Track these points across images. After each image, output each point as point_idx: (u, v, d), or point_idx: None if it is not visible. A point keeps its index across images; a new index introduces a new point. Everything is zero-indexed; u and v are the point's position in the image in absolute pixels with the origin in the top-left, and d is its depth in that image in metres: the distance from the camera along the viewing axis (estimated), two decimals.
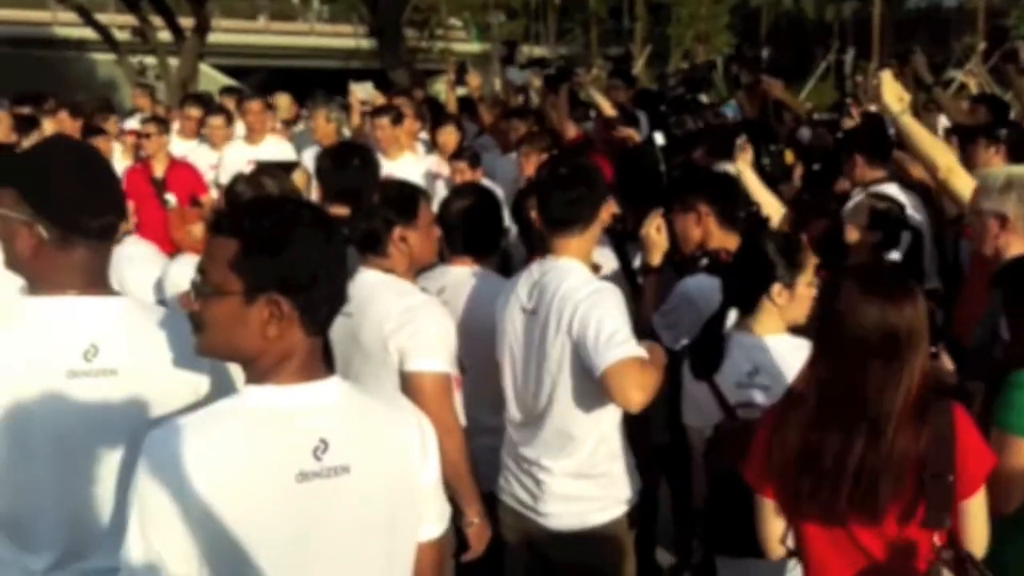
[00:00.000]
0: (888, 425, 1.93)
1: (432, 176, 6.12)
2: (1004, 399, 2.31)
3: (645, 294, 3.25)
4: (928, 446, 1.94)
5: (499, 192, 5.91)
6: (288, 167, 3.31)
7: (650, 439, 3.26)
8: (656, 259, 3.21)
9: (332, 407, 1.60)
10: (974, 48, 22.39)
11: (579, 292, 2.58)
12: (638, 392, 2.47)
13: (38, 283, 1.81)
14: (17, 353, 1.75)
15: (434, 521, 1.78)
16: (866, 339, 1.94)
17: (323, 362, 1.64)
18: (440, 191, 5.94)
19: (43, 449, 1.76)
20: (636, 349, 2.52)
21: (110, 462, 1.80)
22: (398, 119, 6.14)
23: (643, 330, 3.01)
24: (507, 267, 3.94)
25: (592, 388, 2.58)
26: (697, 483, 2.91)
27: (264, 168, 3.58)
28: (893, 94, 3.67)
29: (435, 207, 5.76)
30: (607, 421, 2.70)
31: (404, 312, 2.58)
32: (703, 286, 3.09)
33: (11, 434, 1.74)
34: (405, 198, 2.78)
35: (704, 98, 7.18)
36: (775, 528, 2.16)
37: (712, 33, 32.02)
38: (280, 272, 1.53)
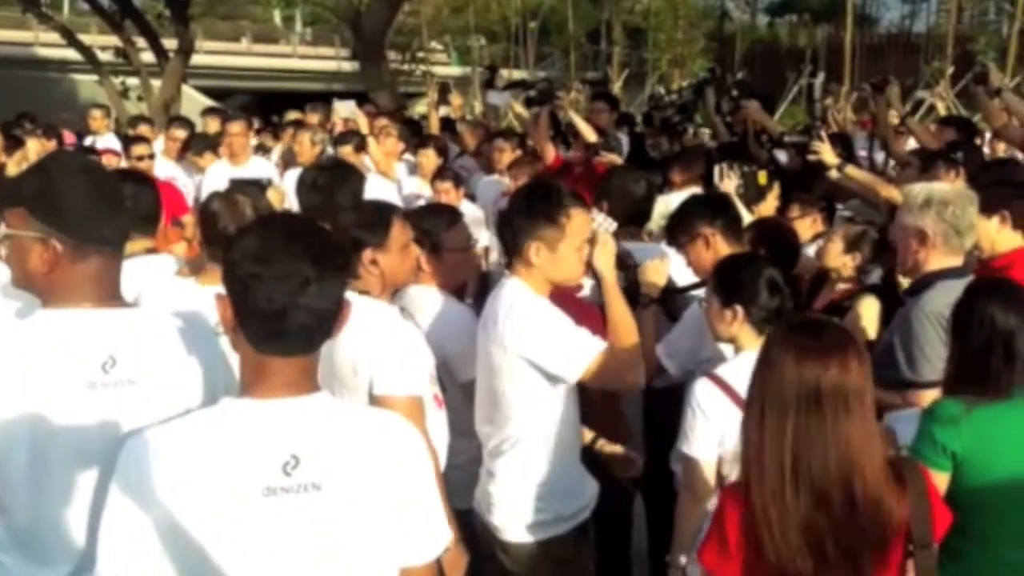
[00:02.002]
0: (856, 491, 1.84)
1: (413, 197, 6.18)
2: (921, 428, 2.36)
3: (646, 326, 3.16)
4: (911, 513, 1.89)
5: (480, 213, 6.05)
6: (262, 185, 3.30)
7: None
8: (655, 290, 3.22)
9: (309, 422, 1.58)
10: (943, 72, 22.90)
11: (511, 316, 2.56)
12: (629, 372, 2.60)
13: (54, 296, 1.81)
14: (35, 366, 1.76)
15: (425, 544, 1.70)
16: (794, 397, 1.86)
17: (311, 380, 1.63)
18: None
19: (61, 462, 1.77)
20: (597, 343, 2.57)
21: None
22: (360, 146, 6.18)
23: (648, 364, 3.00)
24: (486, 288, 4.02)
25: (539, 401, 2.61)
26: (690, 515, 2.77)
27: (237, 186, 3.55)
28: (829, 154, 4.26)
29: None
30: (553, 436, 2.67)
31: (372, 334, 2.48)
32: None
33: (30, 447, 1.76)
34: (376, 219, 2.74)
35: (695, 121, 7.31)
36: None
37: (688, 58, 32.46)
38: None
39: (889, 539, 1.88)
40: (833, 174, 4.53)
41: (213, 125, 7.50)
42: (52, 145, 7.06)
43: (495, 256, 5.67)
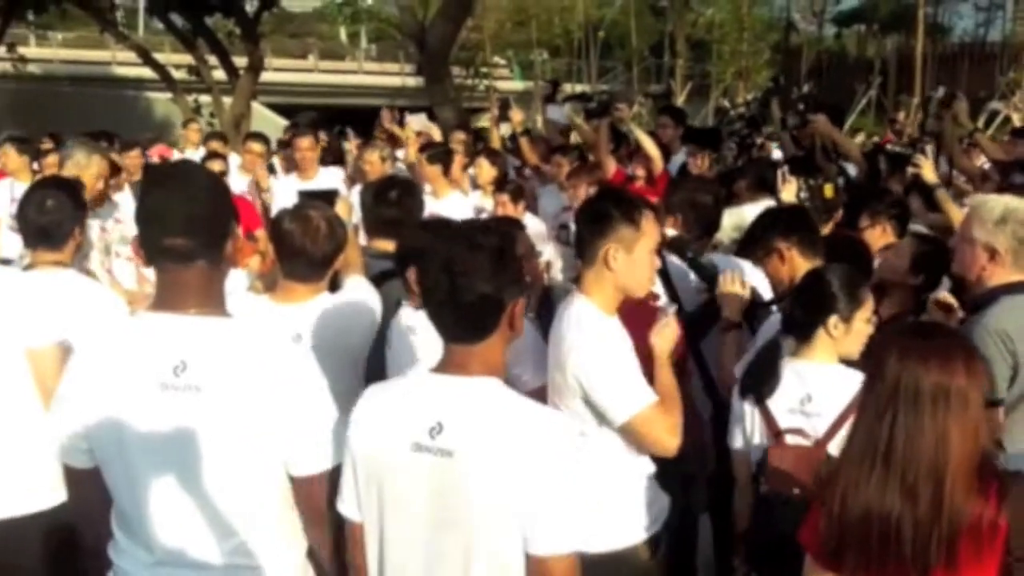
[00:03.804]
0: (945, 489, 1.86)
1: (476, 210, 6.26)
2: None
3: (726, 349, 3.20)
4: (1011, 526, 1.88)
5: (541, 227, 6.10)
6: (330, 197, 3.40)
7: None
8: (736, 314, 3.20)
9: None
10: (1019, 82, 22.30)
11: (575, 337, 2.52)
12: (667, 438, 2.51)
13: (155, 301, 1.97)
14: (119, 364, 1.91)
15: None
16: (894, 392, 1.89)
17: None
18: None
19: (138, 455, 1.90)
20: (649, 395, 2.50)
21: (194, 472, 1.91)
22: (438, 157, 6.20)
23: (726, 386, 3.04)
24: (549, 303, 4.05)
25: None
26: (739, 505, 2.94)
27: (307, 200, 3.64)
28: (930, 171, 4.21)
29: None
30: (623, 451, 2.66)
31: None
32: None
33: (116, 440, 1.91)
34: None
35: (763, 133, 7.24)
36: None
37: (753, 70, 32.12)
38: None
39: (978, 545, 1.87)
40: (940, 193, 4.43)
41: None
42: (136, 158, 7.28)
43: (557, 270, 5.72)
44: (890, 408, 1.89)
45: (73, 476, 2.03)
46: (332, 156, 7.41)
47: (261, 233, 6.31)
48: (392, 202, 3.44)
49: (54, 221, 3.03)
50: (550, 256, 5.93)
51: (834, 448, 2.60)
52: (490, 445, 1.80)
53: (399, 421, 1.88)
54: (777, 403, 2.73)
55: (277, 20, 19.55)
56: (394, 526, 1.91)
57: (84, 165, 4.50)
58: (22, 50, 17.79)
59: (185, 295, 1.91)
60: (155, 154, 8.66)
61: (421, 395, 1.89)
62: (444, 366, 1.90)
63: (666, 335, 2.63)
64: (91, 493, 2.01)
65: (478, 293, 1.81)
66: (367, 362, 3.01)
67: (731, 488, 2.99)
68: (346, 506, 2.00)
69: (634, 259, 2.55)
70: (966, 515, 1.86)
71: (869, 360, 2.04)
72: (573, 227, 5.75)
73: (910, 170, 4.52)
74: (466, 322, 1.85)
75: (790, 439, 2.69)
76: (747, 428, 2.82)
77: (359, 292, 2.97)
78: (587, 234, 2.59)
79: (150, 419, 1.89)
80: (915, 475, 1.87)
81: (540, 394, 2.80)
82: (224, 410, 1.88)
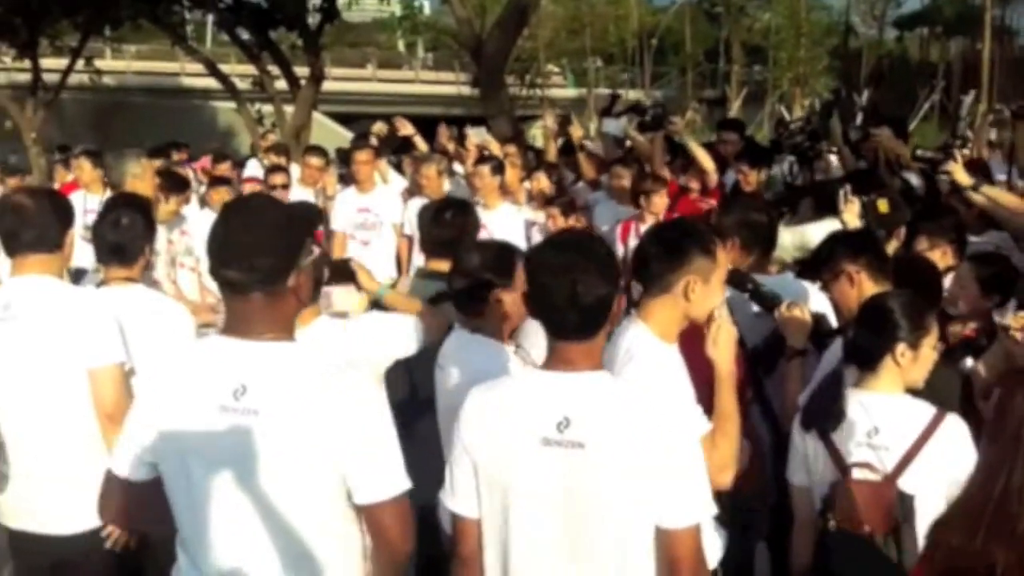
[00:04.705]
0: None
1: (529, 223, 6.29)
2: None
3: (791, 378, 3.10)
4: None
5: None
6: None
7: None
8: (801, 341, 3.12)
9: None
10: None
11: (633, 363, 2.42)
12: (719, 474, 2.36)
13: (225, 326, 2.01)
14: (182, 385, 1.96)
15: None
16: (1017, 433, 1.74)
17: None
18: (536, 238, 6.21)
19: (198, 477, 1.94)
20: (702, 425, 2.41)
21: (250, 496, 1.92)
22: (498, 169, 6.27)
23: (789, 416, 2.95)
24: None
25: None
26: (798, 543, 2.82)
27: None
28: (962, 173, 4.07)
29: None
30: None
31: (487, 375, 2.53)
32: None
33: (179, 459, 1.95)
34: (504, 259, 2.84)
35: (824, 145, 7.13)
36: None
37: (811, 76, 31.65)
38: None
39: None
40: (975, 198, 4.33)
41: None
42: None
43: None
44: (1010, 450, 1.74)
45: (129, 489, 2.06)
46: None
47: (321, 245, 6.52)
48: (447, 223, 3.50)
49: (127, 239, 3.14)
50: None
51: (904, 483, 2.55)
52: (619, 433, 1.93)
53: (522, 418, 1.99)
54: (842, 436, 2.63)
55: (337, 31, 19.87)
56: (521, 519, 2.01)
57: (140, 175, 4.64)
58: (98, 63, 18.36)
59: (248, 322, 1.96)
60: (199, 167, 8.91)
61: (540, 392, 2.01)
62: (555, 364, 2.03)
63: (722, 341, 2.48)
64: (138, 506, 2.07)
65: (596, 295, 1.98)
66: (416, 382, 3.06)
67: (790, 521, 2.89)
68: (459, 502, 2.10)
69: (710, 289, 2.50)
70: None
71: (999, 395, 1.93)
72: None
73: (942, 178, 4.41)
74: (585, 322, 2.00)
75: (857, 474, 2.59)
76: (809, 462, 2.72)
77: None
78: (660, 264, 2.49)
79: (210, 442, 1.93)
80: None
81: None
82: (280, 434, 1.90)
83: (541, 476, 1.97)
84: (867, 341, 2.69)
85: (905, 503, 2.54)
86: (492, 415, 2.05)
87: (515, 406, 2.03)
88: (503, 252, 2.90)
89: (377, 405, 1.98)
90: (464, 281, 2.82)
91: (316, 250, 2.07)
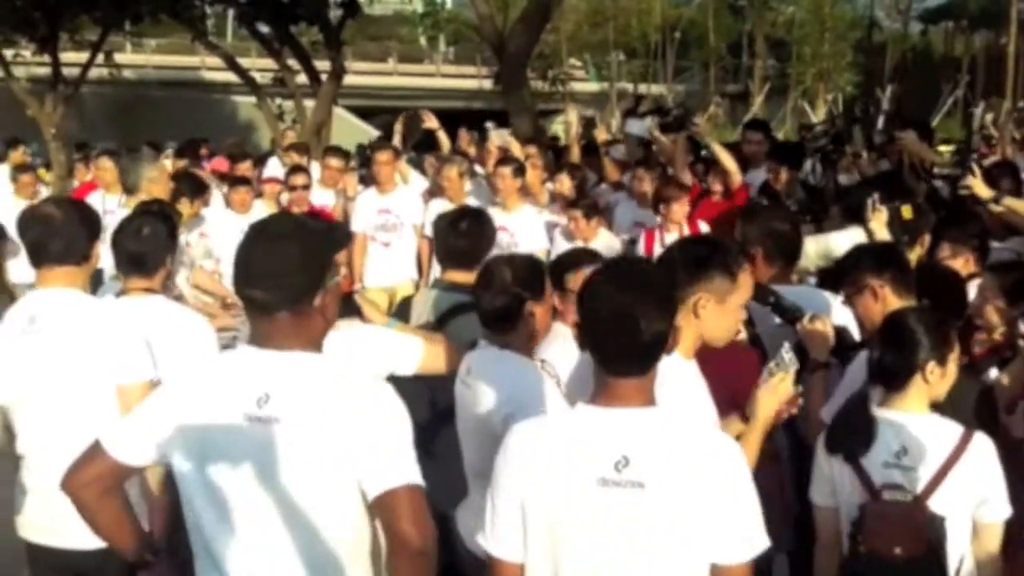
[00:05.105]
0: None
1: (551, 225, 6.28)
2: None
3: (812, 391, 3.02)
4: None
5: (616, 242, 6.11)
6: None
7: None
8: (823, 354, 3.09)
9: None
10: None
11: None
12: None
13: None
14: (206, 392, 1.99)
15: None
16: None
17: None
18: (558, 240, 6.18)
19: (220, 478, 1.96)
20: None
21: (272, 500, 1.96)
22: (519, 171, 6.22)
23: (811, 430, 2.93)
24: None
25: None
26: (821, 564, 2.79)
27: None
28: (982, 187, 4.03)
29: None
30: None
31: (520, 392, 2.59)
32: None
33: (203, 469, 1.99)
34: (535, 273, 2.82)
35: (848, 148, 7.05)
36: None
37: (835, 72, 31.38)
38: None
39: None
40: (997, 210, 4.30)
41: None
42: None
43: None
44: None
45: (115, 470, 2.08)
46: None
47: None
48: (463, 233, 3.43)
49: (148, 250, 3.11)
50: None
51: (934, 504, 2.51)
52: (680, 471, 1.87)
53: (577, 458, 1.91)
54: (870, 458, 2.59)
55: (358, 24, 19.89)
56: (574, 562, 1.93)
57: (156, 179, 4.62)
58: (118, 57, 18.47)
59: (274, 338, 1.98)
60: (211, 168, 8.91)
61: (595, 430, 1.93)
62: (609, 399, 1.94)
63: (768, 401, 2.46)
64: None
65: (657, 331, 1.91)
66: (437, 400, 3.01)
67: (811, 535, 2.86)
68: (500, 545, 2.00)
69: (724, 310, 2.48)
70: None
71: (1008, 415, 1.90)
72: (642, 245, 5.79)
73: (963, 192, 4.36)
74: (643, 358, 1.93)
75: (887, 495, 2.57)
76: (836, 484, 2.68)
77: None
78: (679, 275, 2.47)
79: (232, 447, 1.96)
80: None
81: None
82: (301, 441, 1.92)
83: (598, 517, 1.90)
84: (894, 361, 2.64)
85: (936, 524, 2.51)
86: (544, 454, 1.95)
87: (569, 444, 1.94)
88: (534, 266, 2.88)
89: (393, 413, 1.97)
90: (498, 297, 2.74)
91: (343, 271, 2.06)
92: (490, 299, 2.76)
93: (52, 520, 2.74)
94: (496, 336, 2.77)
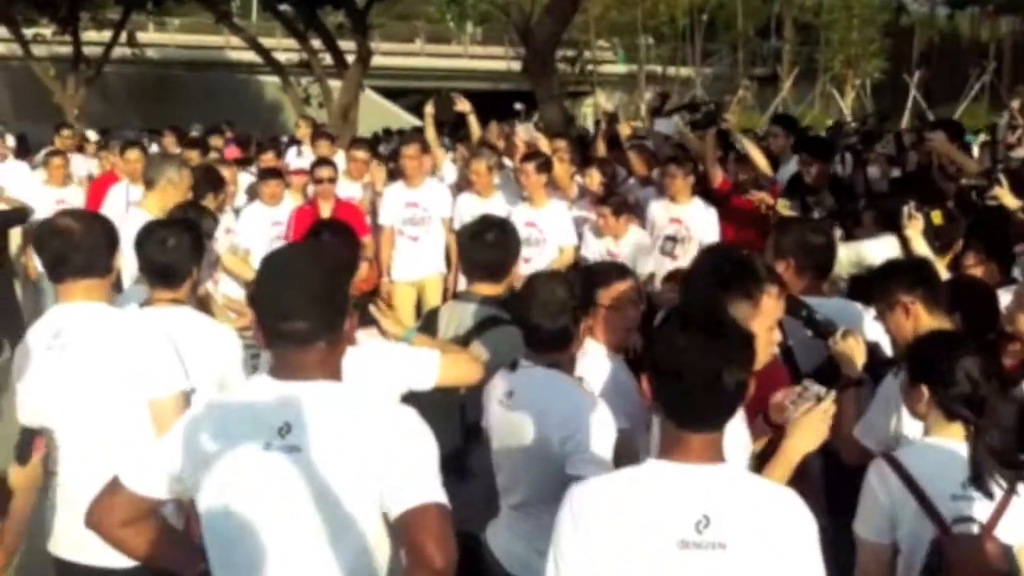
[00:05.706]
0: None
1: (580, 220, 6.23)
2: None
3: (844, 409, 2.93)
4: None
5: (647, 240, 6.05)
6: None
7: None
8: (855, 371, 3.03)
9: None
10: None
11: None
12: None
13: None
14: (230, 426, 1.96)
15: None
16: None
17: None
18: (587, 236, 6.13)
19: (247, 514, 1.94)
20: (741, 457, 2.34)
21: (297, 531, 1.95)
22: (545, 166, 6.15)
23: (847, 450, 2.92)
24: (652, 313, 3.88)
25: None
26: None
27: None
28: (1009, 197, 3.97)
29: (585, 253, 5.99)
30: None
31: (574, 414, 2.56)
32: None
33: (223, 497, 1.96)
34: (586, 288, 2.79)
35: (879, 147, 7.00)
36: None
37: (863, 58, 30.98)
38: None
39: None
40: (1021, 216, 4.27)
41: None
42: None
43: (659, 281, 5.66)
44: None
45: (149, 505, 2.06)
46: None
47: (367, 239, 6.45)
48: (490, 244, 3.32)
49: (174, 260, 3.05)
50: (653, 268, 5.89)
51: (1001, 534, 2.44)
52: (760, 532, 1.81)
53: (655, 518, 1.82)
54: (936, 490, 2.48)
55: (384, 5, 19.77)
56: None
57: (177, 183, 4.59)
58: (141, 36, 18.45)
59: (306, 369, 1.96)
60: (229, 155, 8.91)
61: (673, 488, 1.84)
62: (682, 455, 1.85)
63: (807, 438, 2.37)
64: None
65: (737, 381, 1.83)
66: (467, 418, 2.99)
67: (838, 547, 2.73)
68: None
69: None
70: None
71: None
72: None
73: (990, 203, 4.30)
74: (725, 413, 1.86)
75: (957, 529, 2.46)
76: (897, 518, 2.52)
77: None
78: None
79: (254, 480, 1.94)
80: None
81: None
82: (324, 468, 1.91)
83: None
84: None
85: (1010, 555, 2.44)
86: (617, 516, 1.85)
87: (644, 504, 1.84)
88: (583, 280, 2.84)
89: (412, 430, 1.94)
90: (558, 319, 2.65)
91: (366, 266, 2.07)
92: (548, 320, 2.65)
93: (82, 538, 2.71)
94: (542, 356, 2.68)
